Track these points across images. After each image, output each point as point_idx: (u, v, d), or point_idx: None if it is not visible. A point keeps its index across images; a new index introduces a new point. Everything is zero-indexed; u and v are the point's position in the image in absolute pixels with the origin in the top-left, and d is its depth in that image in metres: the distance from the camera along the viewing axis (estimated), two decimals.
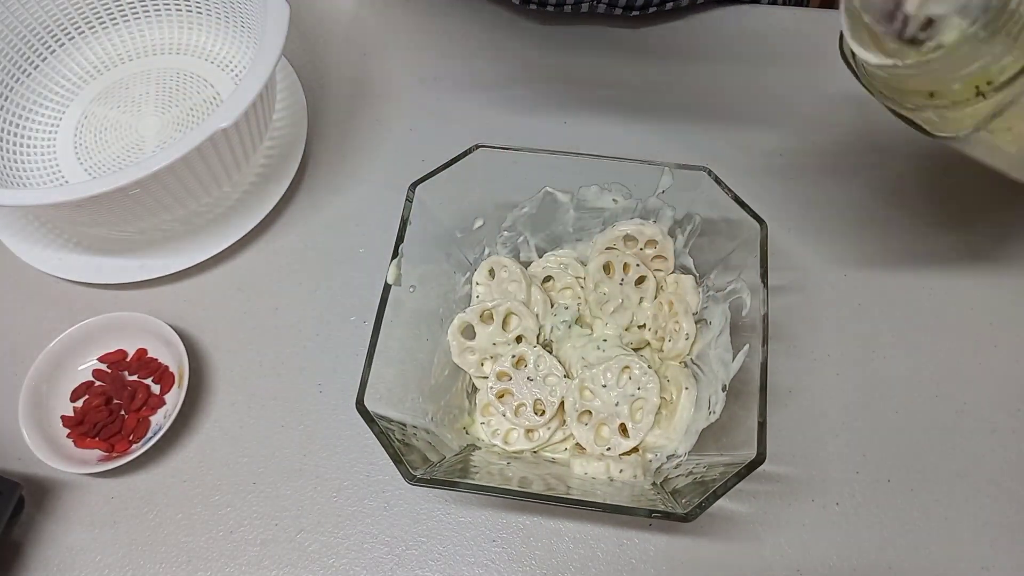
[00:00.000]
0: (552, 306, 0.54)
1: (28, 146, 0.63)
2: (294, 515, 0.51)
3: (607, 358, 0.50)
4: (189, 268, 0.58)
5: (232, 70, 0.67)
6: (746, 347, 0.45)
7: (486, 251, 0.55)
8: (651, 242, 0.53)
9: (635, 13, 0.67)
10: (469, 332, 0.51)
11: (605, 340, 0.51)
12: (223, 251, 0.59)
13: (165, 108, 0.65)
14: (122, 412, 0.53)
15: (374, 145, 0.65)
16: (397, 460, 0.41)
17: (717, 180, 0.47)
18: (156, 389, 0.54)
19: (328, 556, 0.49)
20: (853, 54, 0.38)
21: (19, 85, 0.64)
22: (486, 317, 0.52)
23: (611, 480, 0.46)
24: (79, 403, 0.54)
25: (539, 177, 0.52)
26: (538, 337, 0.52)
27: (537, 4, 0.68)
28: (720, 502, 0.39)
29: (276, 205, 0.60)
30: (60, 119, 0.65)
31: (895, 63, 0.35)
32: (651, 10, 0.67)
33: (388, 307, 0.46)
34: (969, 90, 0.34)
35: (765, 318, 0.44)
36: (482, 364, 0.51)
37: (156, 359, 0.55)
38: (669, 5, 0.67)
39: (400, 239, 0.48)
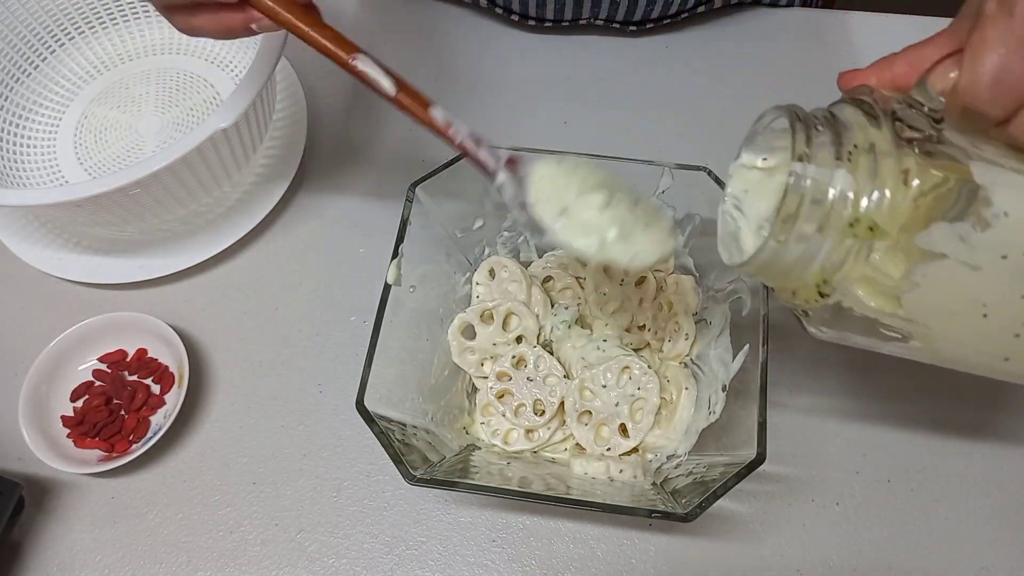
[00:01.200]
0: (552, 306, 0.54)
1: (28, 146, 0.63)
2: (294, 515, 0.51)
3: (607, 358, 0.50)
4: (189, 268, 0.58)
5: (232, 70, 0.67)
6: (746, 347, 0.45)
7: (486, 251, 0.55)
8: None
9: (633, 28, 0.68)
10: (469, 332, 0.51)
11: (605, 340, 0.51)
12: (223, 251, 0.59)
13: (165, 108, 0.65)
14: (122, 412, 0.53)
15: (374, 145, 0.65)
16: (397, 460, 0.41)
17: (717, 180, 0.47)
18: (156, 389, 0.54)
19: (328, 556, 0.49)
20: None
21: (19, 85, 0.64)
22: (486, 317, 0.52)
23: (611, 480, 0.46)
24: (79, 403, 0.54)
25: None
26: (538, 337, 0.52)
27: (535, 20, 0.68)
28: (720, 502, 0.39)
29: (276, 205, 0.60)
30: (60, 119, 0.65)
31: (735, 262, 0.36)
32: (648, 25, 0.68)
33: (388, 307, 0.46)
34: (812, 290, 0.34)
35: (765, 318, 0.44)
36: (482, 364, 0.51)
37: (156, 359, 0.55)
38: (667, 21, 0.68)
39: (400, 239, 0.48)
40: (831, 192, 0.31)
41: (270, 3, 0.37)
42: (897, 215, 0.31)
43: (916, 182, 0.30)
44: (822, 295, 0.34)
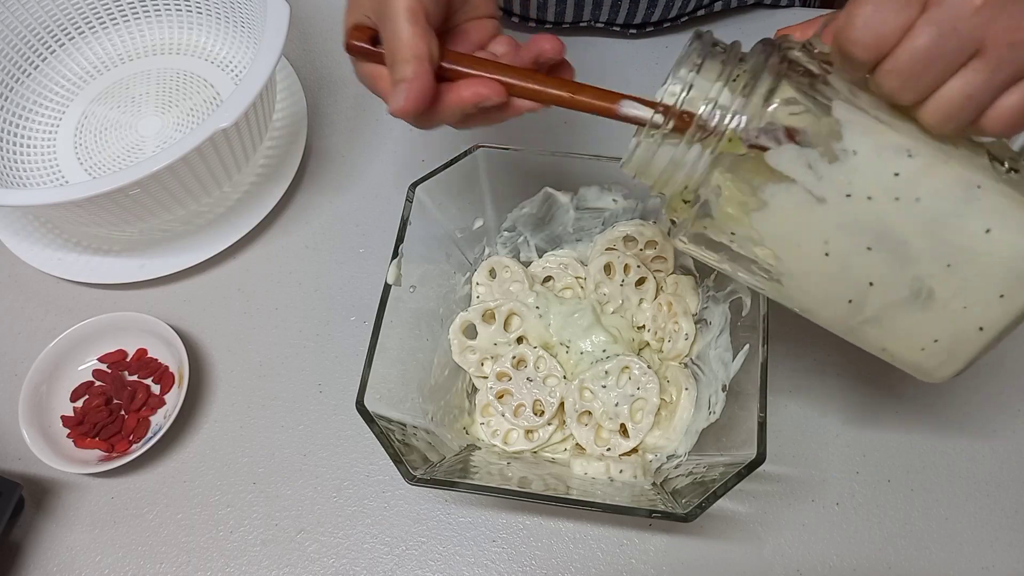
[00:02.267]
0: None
1: (28, 146, 0.63)
2: (294, 515, 0.51)
3: (608, 354, 0.50)
4: (189, 268, 0.58)
5: (232, 70, 0.67)
6: (746, 347, 0.45)
7: (486, 251, 0.55)
8: (651, 243, 0.53)
9: (632, 31, 0.68)
10: (471, 331, 0.51)
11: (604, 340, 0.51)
12: (223, 251, 0.59)
13: (165, 108, 0.65)
14: (122, 412, 0.53)
15: (374, 145, 0.65)
16: (397, 460, 0.41)
17: None
18: (156, 389, 0.54)
19: (328, 556, 0.49)
20: None
21: (19, 85, 0.64)
22: (488, 317, 0.52)
23: (611, 480, 0.46)
24: (79, 403, 0.54)
25: (539, 177, 0.52)
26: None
27: (536, 22, 0.68)
28: (720, 502, 0.39)
29: (276, 205, 0.60)
30: (60, 119, 0.65)
31: (621, 164, 0.38)
32: (648, 29, 0.68)
33: (388, 307, 0.46)
34: (678, 198, 0.36)
35: (765, 318, 0.44)
36: (482, 364, 0.51)
37: (156, 359, 0.55)
38: (667, 24, 0.68)
39: (400, 239, 0.48)
40: (705, 102, 0.33)
41: (533, 88, 0.37)
42: (752, 131, 0.32)
43: (775, 104, 0.32)
44: (685, 201, 0.35)
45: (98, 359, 0.55)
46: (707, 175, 0.34)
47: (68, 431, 0.52)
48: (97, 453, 0.52)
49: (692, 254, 0.38)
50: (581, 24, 0.68)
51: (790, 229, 0.34)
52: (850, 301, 0.35)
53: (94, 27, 0.67)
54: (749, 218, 0.34)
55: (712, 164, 0.33)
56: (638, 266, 0.52)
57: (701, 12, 0.68)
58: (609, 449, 0.48)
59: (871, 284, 0.34)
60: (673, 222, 0.37)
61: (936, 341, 0.35)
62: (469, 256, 0.55)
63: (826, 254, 0.34)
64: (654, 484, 0.46)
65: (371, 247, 0.60)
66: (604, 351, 0.50)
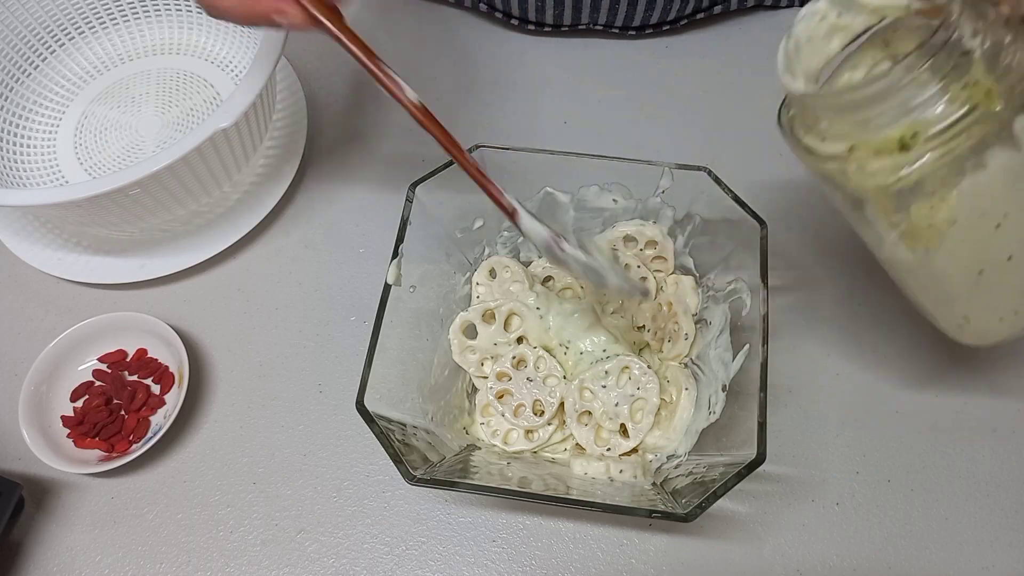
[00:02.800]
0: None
1: (28, 146, 0.63)
2: (294, 515, 0.51)
3: (608, 354, 0.50)
4: (189, 268, 0.58)
5: (232, 70, 0.67)
6: (746, 347, 0.45)
7: (486, 251, 0.55)
8: (651, 243, 0.53)
9: (631, 33, 0.68)
10: (471, 331, 0.52)
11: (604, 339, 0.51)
12: (223, 251, 0.59)
13: (165, 108, 0.65)
14: (122, 412, 0.53)
15: (374, 145, 0.65)
16: (397, 460, 0.41)
17: (717, 180, 0.47)
18: (156, 389, 0.54)
19: (328, 556, 0.49)
20: (785, 112, 0.39)
21: (19, 85, 0.64)
22: (488, 317, 0.52)
23: (611, 480, 0.46)
24: (79, 403, 0.54)
25: (539, 177, 0.52)
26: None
27: (535, 24, 0.68)
28: (720, 502, 0.39)
29: (276, 205, 0.60)
30: (60, 119, 0.65)
31: (815, 90, 0.35)
32: (647, 31, 0.68)
33: (388, 307, 0.46)
34: (892, 142, 0.33)
35: (765, 318, 0.44)
36: (482, 364, 0.51)
37: (156, 359, 0.55)
38: (666, 27, 0.68)
39: (400, 239, 0.48)
40: (972, 46, 0.31)
41: None
42: (1015, 90, 0.30)
43: None
44: (904, 148, 0.32)
45: (98, 359, 0.55)
46: (954, 124, 0.31)
47: (68, 431, 0.52)
48: (97, 453, 0.52)
49: (867, 199, 0.35)
50: (580, 27, 0.68)
51: (987, 196, 0.33)
52: (980, 272, 0.35)
53: (94, 27, 0.67)
54: (959, 181, 0.32)
55: (966, 113, 0.31)
56: (638, 266, 0.52)
57: (700, 15, 0.68)
58: (609, 449, 0.48)
59: (1009, 258, 0.34)
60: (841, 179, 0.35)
61: (1016, 313, 0.36)
62: (469, 256, 0.55)
63: (997, 225, 0.33)
64: (654, 484, 0.46)
65: (371, 247, 0.60)
66: (604, 351, 0.50)
